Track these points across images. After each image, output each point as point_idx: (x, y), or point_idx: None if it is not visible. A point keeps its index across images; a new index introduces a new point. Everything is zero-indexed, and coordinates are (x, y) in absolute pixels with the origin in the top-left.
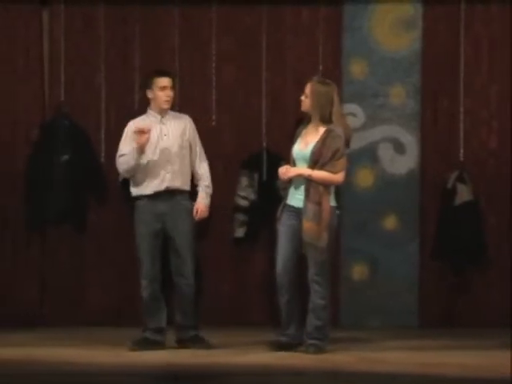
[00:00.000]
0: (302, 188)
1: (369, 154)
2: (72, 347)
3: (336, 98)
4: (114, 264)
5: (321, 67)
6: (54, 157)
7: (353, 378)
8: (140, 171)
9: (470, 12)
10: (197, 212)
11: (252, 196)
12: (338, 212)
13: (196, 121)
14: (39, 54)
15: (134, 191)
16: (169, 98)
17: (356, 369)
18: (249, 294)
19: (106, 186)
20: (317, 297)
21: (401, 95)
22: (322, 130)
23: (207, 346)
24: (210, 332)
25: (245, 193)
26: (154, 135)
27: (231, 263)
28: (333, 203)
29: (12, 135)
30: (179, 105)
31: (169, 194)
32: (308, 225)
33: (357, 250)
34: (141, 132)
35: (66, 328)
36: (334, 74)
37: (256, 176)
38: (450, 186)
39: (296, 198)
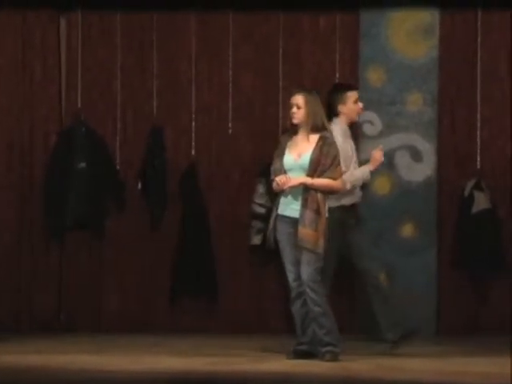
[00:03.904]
0: (298, 198)
1: (386, 162)
2: (90, 354)
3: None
4: (131, 270)
5: (338, 74)
6: (70, 164)
7: None
8: None
9: (486, 19)
10: None
11: (269, 204)
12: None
13: (212, 128)
14: (56, 61)
15: (332, 203)
16: (361, 111)
17: (374, 376)
18: (266, 301)
19: (122, 193)
20: (313, 304)
21: (418, 103)
22: (313, 138)
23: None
24: (227, 339)
25: (262, 200)
26: (351, 150)
27: (248, 271)
28: (327, 214)
29: (30, 142)
30: (195, 112)
31: (354, 206)
32: (305, 231)
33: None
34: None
35: (84, 334)
36: (350, 81)
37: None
38: (466, 193)
39: (291, 208)
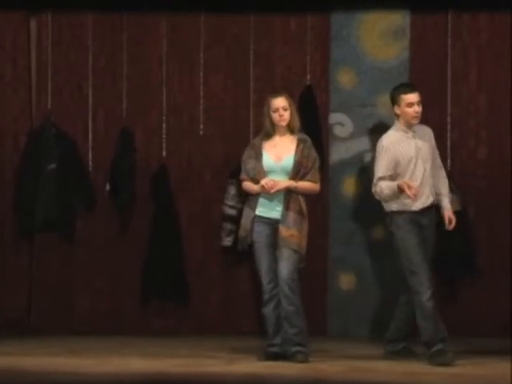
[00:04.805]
0: (280, 199)
1: (356, 164)
2: (59, 356)
3: None
4: (102, 272)
5: (309, 76)
6: (41, 165)
7: None
8: None
9: (457, 21)
10: (450, 221)
11: (240, 205)
12: None
13: (184, 130)
14: (27, 62)
15: (394, 207)
16: (417, 114)
17: (344, 378)
18: (237, 302)
19: (93, 195)
20: (287, 303)
21: (388, 105)
22: (291, 140)
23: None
24: (198, 341)
25: (233, 202)
26: (410, 152)
27: (219, 272)
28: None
29: None
30: (166, 114)
31: (428, 208)
32: (290, 232)
33: (345, 260)
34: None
35: (54, 337)
36: (321, 83)
37: None
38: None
39: (274, 209)
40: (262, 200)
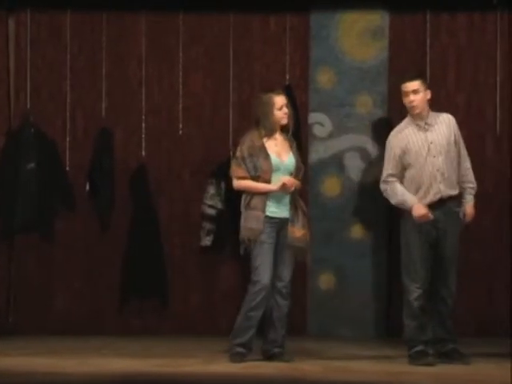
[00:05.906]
0: (286, 199)
1: (336, 163)
2: (39, 356)
3: None
4: (81, 272)
5: (288, 76)
6: (19, 165)
7: None
8: (410, 183)
9: (435, 22)
10: (464, 216)
11: (219, 205)
12: None
13: (163, 130)
14: (5, 62)
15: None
16: (411, 104)
17: (324, 378)
18: (216, 302)
19: (72, 194)
20: (285, 305)
21: (368, 104)
22: (284, 139)
23: (466, 360)
24: (177, 341)
25: (212, 202)
26: (416, 146)
27: (198, 272)
28: None
29: None
30: (145, 113)
31: (441, 201)
32: (302, 232)
33: (324, 260)
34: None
35: (33, 337)
36: (301, 82)
37: (223, 185)
38: None
39: (285, 209)
40: (271, 200)
